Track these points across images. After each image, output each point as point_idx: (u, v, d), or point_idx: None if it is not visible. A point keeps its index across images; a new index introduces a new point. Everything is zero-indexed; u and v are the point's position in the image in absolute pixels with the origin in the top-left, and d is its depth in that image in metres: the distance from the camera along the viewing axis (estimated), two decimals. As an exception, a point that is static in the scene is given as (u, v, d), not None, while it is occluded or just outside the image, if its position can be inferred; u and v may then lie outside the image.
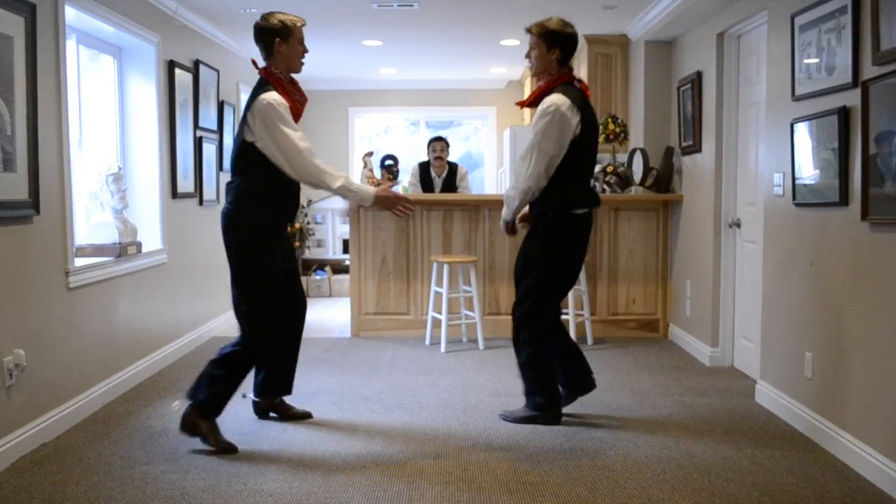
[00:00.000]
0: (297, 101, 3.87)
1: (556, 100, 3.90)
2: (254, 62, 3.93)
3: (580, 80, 4.10)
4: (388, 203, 3.91)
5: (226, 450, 3.76)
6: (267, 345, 3.90)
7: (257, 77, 3.88)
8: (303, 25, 3.89)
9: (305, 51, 3.91)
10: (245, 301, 3.81)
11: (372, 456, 3.72)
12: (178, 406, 4.34)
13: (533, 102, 4.08)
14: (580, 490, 3.32)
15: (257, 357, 3.95)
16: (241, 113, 3.86)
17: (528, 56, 4.10)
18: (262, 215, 3.79)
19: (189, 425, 3.81)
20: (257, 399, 4.28)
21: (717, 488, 3.35)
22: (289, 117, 3.71)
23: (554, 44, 3.96)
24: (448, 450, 3.82)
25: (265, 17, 3.85)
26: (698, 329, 5.91)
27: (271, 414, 4.31)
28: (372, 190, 3.94)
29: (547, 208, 4.03)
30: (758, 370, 4.81)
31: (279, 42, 3.79)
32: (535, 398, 4.21)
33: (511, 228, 4.25)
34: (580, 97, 3.98)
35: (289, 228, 4.21)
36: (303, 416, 4.30)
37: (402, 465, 3.60)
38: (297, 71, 3.90)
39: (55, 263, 4.12)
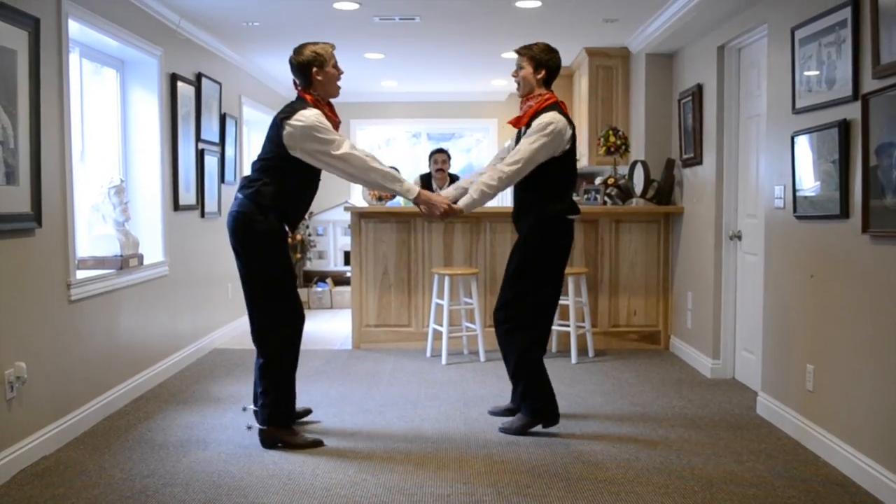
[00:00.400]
0: (332, 124, 4.00)
1: (555, 119, 4.10)
2: (295, 83, 4.11)
3: (561, 102, 4.32)
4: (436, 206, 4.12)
5: (312, 444, 4.01)
6: (285, 338, 4.02)
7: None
8: (333, 49, 4.06)
9: (340, 73, 4.08)
10: (256, 299, 4.02)
11: (373, 468, 3.71)
12: (247, 409, 4.42)
13: (527, 123, 4.23)
14: (582, 503, 3.31)
15: (283, 349, 4.04)
16: (276, 117, 4.00)
17: (514, 75, 4.31)
18: (272, 220, 3.94)
19: (267, 441, 4.02)
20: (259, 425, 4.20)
21: (719, 501, 3.34)
22: (322, 126, 3.89)
23: (541, 65, 4.22)
24: (449, 462, 3.81)
25: (298, 50, 4.02)
26: (699, 341, 5.90)
27: None
28: (415, 187, 4.10)
29: (544, 215, 4.20)
30: (759, 382, 4.80)
31: (316, 71, 3.98)
32: (531, 403, 4.24)
33: (451, 214, 4.26)
34: (567, 117, 4.21)
35: (290, 239, 4.30)
36: (303, 414, 4.45)
37: (403, 478, 3.59)
38: (335, 95, 4.09)
39: (57, 276, 4.13)
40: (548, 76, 4.26)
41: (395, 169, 4.17)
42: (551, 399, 4.29)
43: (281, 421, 4.03)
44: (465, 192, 4.35)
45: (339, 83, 4.08)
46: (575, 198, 6.22)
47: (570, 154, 4.20)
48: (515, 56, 4.33)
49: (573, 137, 4.19)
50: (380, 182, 3.99)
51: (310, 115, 3.88)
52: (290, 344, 4.07)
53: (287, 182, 3.96)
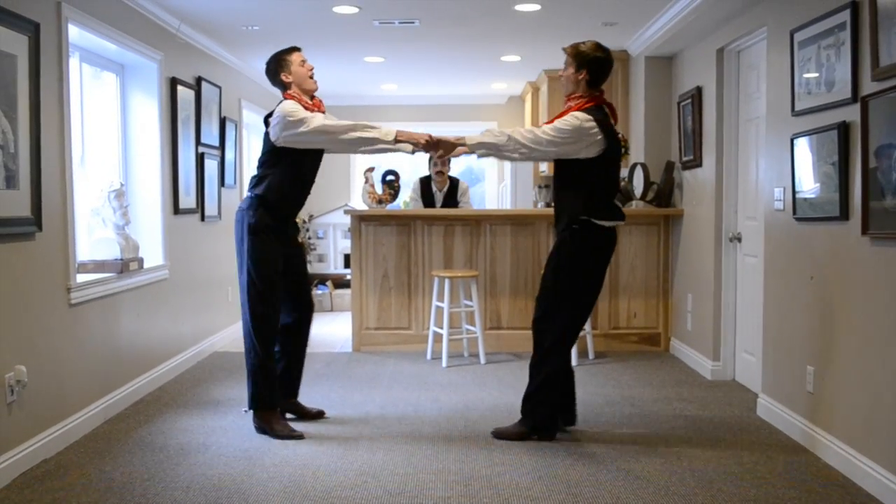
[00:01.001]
0: (318, 109, 4.27)
1: (581, 117, 4.00)
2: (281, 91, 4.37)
3: (609, 104, 4.19)
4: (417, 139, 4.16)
5: (291, 436, 4.17)
6: (258, 329, 4.21)
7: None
8: (291, 53, 4.29)
9: (310, 68, 4.32)
10: (242, 289, 4.25)
11: (373, 471, 3.71)
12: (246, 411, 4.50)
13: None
14: (582, 506, 3.32)
15: (256, 339, 4.24)
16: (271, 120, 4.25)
17: (560, 76, 4.26)
18: (262, 214, 4.19)
19: (255, 424, 4.29)
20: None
21: (720, 502, 3.34)
22: (296, 108, 4.14)
23: (583, 65, 4.06)
24: (450, 465, 3.81)
25: (266, 62, 4.33)
26: (700, 343, 5.90)
27: (287, 415, 4.46)
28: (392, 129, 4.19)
29: (573, 218, 4.05)
30: (759, 384, 4.80)
31: (284, 74, 4.26)
32: (538, 410, 4.17)
33: (446, 148, 4.23)
34: (606, 120, 4.07)
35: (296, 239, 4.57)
36: (317, 416, 4.57)
37: (404, 481, 3.59)
38: (311, 88, 4.30)
39: (57, 280, 4.13)
40: (592, 77, 4.09)
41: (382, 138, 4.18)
42: (556, 415, 4.22)
43: (259, 405, 4.26)
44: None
45: (311, 77, 4.29)
46: None
47: (609, 158, 4.06)
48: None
49: (611, 142, 4.04)
50: (360, 136, 4.11)
51: (283, 105, 4.16)
52: (261, 335, 4.23)
53: (279, 175, 4.21)
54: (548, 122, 4.15)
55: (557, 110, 8.08)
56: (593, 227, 4.03)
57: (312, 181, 4.43)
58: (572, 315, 4.12)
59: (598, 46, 4.13)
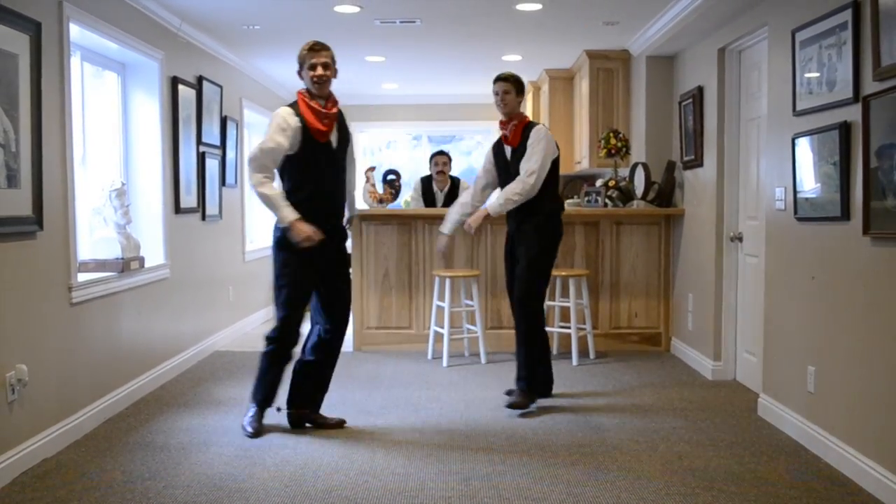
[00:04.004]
0: (317, 116, 4.16)
1: (544, 128, 4.82)
2: None
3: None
4: (297, 234, 4.06)
5: (253, 432, 4.21)
6: (279, 338, 4.23)
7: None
8: (309, 48, 4.20)
9: (319, 74, 4.18)
10: (274, 293, 4.30)
11: (374, 470, 3.72)
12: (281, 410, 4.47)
13: (521, 141, 4.75)
14: (583, 505, 3.32)
15: (277, 348, 4.27)
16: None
17: (503, 100, 4.76)
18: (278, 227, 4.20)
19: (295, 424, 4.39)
20: (289, 410, 4.43)
21: (720, 502, 3.34)
22: (277, 134, 4.11)
23: (521, 91, 4.82)
24: (450, 464, 3.81)
25: None
26: (700, 343, 5.90)
27: (306, 424, 4.41)
28: (291, 216, 4.08)
29: (544, 212, 4.74)
30: (760, 384, 4.80)
31: (299, 72, 4.27)
32: (543, 371, 4.84)
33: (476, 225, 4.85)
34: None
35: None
36: (337, 425, 4.45)
37: (405, 480, 3.59)
38: (315, 91, 4.20)
39: (58, 279, 4.13)
40: (523, 100, 4.94)
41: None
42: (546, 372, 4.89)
43: (253, 397, 4.35)
44: (470, 212, 4.91)
45: (316, 82, 4.17)
46: (576, 199, 6.92)
47: (558, 159, 4.82)
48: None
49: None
50: (264, 193, 4.12)
51: (275, 113, 4.21)
52: (272, 344, 4.27)
53: (288, 182, 4.24)
54: (512, 139, 4.80)
55: (558, 110, 8.22)
56: (558, 215, 4.81)
57: (334, 183, 4.27)
58: (545, 287, 4.91)
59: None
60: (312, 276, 4.22)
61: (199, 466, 3.76)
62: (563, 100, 8.14)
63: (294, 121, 4.11)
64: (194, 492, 3.44)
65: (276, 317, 4.28)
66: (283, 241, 4.16)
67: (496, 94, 4.78)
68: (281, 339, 4.25)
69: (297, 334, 4.29)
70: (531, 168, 4.62)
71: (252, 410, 4.32)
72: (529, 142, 4.67)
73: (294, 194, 4.16)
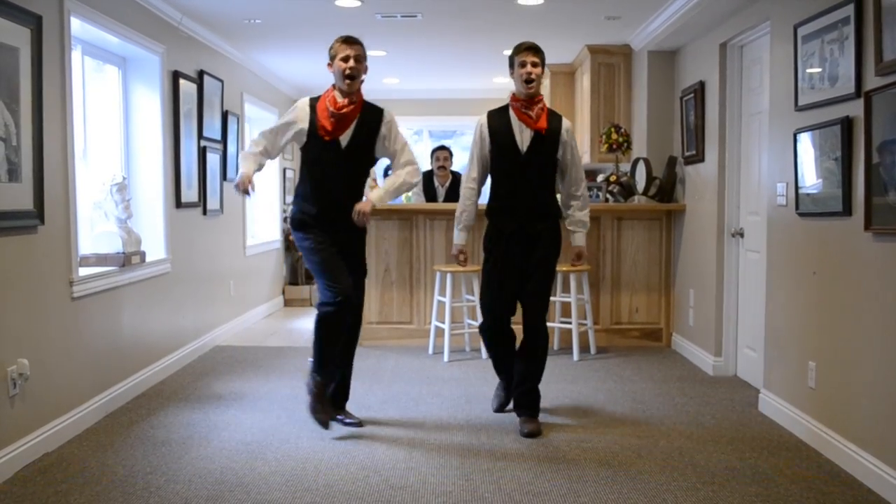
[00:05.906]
0: (326, 113, 4.10)
1: (566, 122, 4.38)
2: None
3: None
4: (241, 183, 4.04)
5: (321, 417, 4.08)
6: (320, 312, 4.07)
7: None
8: (343, 41, 4.14)
9: (350, 66, 4.08)
10: (311, 269, 4.24)
11: (375, 465, 3.72)
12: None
13: (548, 126, 4.28)
14: (584, 500, 3.32)
15: (319, 320, 4.09)
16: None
17: (533, 74, 4.20)
18: (295, 204, 4.27)
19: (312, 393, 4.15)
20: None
21: (721, 498, 3.34)
22: (285, 117, 4.25)
23: (544, 65, 4.30)
24: (451, 459, 3.81)
25: None
26: (701, 338, 5.90)
27: (339, 418, 4.34)
28: (242, 169, 4.12)
29: (555, 213, 4.43)
30: (761, 380, 4.80)
31: (329, 66, 4.17)
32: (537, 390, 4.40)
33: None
34: None
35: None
36: (359, 424, 4.32)
37: (406, 475, 3.60)
38: (344, 88, 4.12)
39: (59, 273, 4.13)
40: None
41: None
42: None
43: (313, 368, 4.09)
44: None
45: (345, 75, 4.08)
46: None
47: None
48: (531, 54, 4.20)
49: None
50: (249, 152, 4.24)
51: (299, 102, 4.26)
52: (322, 317, 4.06)
53: (303, 171, 4.26)
54: (547, 143, 4.29)
55: (559, 104, 8.19)
56: (560, 218, 4.46)
57: (341, 182, 4.16)
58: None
59: None
60: (330, 244, 4.13)
61: (201, 461, 3.77)
62: (565, 95, 8.12)
63: (304, 111, 4.15)
64: (195, 486, 3.45)
65: (321, 288, 4.07)
66: (295, 222, 4.21)
67: (522, 65, 4.16)
68: (336, 299, 4.00)
69: (348, 287, 4.06)
70: (582, 176, 4.41)
71: (313, 378, 4.10)
72: (571, 142, 4.31)
73: (300, 186, 4.26)
